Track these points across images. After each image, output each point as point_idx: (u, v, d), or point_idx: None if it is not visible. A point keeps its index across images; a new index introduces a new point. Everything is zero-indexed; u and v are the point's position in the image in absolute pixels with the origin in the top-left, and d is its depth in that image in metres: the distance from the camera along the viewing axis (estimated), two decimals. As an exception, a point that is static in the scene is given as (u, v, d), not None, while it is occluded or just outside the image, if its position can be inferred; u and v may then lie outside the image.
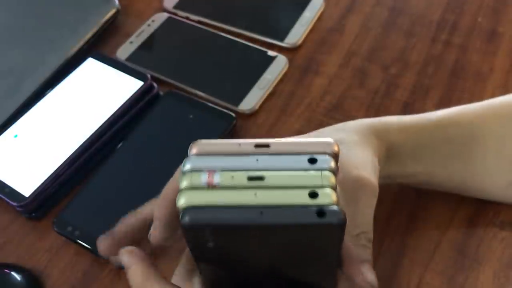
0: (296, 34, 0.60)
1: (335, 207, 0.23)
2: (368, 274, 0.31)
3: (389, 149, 0.40)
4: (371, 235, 0.34)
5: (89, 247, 0.45)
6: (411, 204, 0.46)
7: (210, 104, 0.54)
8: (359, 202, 0.35)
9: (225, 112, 0.53)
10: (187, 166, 0.25)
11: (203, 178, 0.25)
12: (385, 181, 0.40)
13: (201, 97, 0.55)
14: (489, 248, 0.43)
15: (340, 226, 0.24)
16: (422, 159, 0.42)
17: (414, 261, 0.43)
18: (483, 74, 0.55)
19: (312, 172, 0.25)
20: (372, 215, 0.35)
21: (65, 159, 0.49)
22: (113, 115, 0.52)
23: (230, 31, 0.61)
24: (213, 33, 0.61)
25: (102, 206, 0.47)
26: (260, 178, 0.25)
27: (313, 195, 0.24)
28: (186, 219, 0.24)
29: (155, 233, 0.32)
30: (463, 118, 0.43)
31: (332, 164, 0.25)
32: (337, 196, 0.24)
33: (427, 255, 0.43)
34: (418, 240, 0.44)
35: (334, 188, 0.24)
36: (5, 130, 0.52)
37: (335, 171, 0.25)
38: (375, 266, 0.42)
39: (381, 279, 0.42)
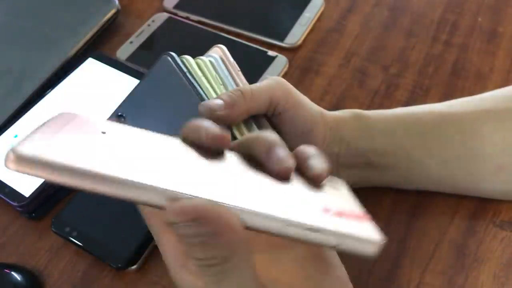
0: (296, 34, 0.60)
1: None
2: None
3: (361, 128, 0.43)
4: None
5: (86, 248, 0.45)
6: (410, 204, 0.46)
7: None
8: None
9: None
10: None
11: None
12: (357, 159, 0.42)
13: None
14: (489, 248, 0.43)
15: None
16: (395, 135, 0.43)
17: (414, 261, 0.43)
18: (483, 74, 0.55)
19: None
20: None
21: (65, 159, 0.49)
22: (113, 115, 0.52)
23: (230, 31, 0.61)
24: (213, 33, 0.61)
25: (100, 207, 0.47)
26: None
27: None
28: None
29: None
30: (435, 107, 0.45)
31: None
32: None
33: (427, 255, 0.43)
34: (418, 240, 0.44)
35: None
36: (5, 130, 0.52)
37: None
38: (375, 267, 0.42)
39: (381, 279, 0.42)
